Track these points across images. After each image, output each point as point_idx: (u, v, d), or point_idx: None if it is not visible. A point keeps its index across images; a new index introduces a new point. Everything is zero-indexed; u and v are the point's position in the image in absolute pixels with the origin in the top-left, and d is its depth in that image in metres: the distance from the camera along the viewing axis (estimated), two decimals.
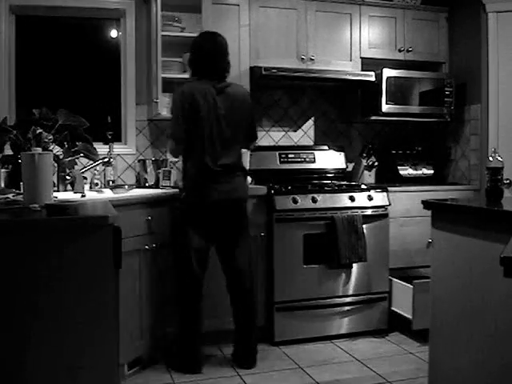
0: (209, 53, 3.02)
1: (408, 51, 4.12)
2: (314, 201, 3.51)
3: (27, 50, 3.82)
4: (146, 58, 3.88)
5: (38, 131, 2.69)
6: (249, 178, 3.74)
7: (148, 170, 3.74)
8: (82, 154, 3.04)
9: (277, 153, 4.09)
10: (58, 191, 3.14)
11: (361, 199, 3.60)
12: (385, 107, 3.93)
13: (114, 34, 4.03)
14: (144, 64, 3.88)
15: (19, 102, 3.77)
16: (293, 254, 3.47)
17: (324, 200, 3.54)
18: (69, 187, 3.29)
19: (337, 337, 3.57)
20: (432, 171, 4.23)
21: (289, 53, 3.86)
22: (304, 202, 3.50)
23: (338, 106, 4.35)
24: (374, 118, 4.03)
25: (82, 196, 2.93)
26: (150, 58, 3.77)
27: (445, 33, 4.22)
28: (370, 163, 4.18)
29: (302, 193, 3.52)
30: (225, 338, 3.46)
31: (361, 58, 4.02)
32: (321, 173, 4.14)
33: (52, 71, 3.94)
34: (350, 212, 3.55)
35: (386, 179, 4.15)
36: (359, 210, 3.58)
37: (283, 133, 4.25)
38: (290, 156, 4.10)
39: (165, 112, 3.72)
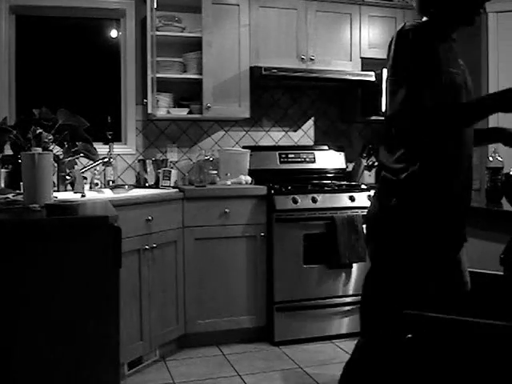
0: None
1: None
2: (314, 201, 3.51)
3: (27, 49, 3.82)
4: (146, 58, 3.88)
5: (38, 131, 2.69)
6: (248, 178, 3.76)
7: (148, 169, 3.74)
8: (82, 154, 3.04)
9: (277, 153, 4.08)
10: (58, 191, 3.14)
11: (361, 199, 3.60)
12: (385, 107, 3.93)
13: (114, 34, 4.03)
14: (144, 64, 3.88)
15: (19, 102, 3.77)
16: (293, 254, 3.47)
17: (324, 200, 3.54)
18: (69, 187, 3.29)
19: (337, 337, 3.57)
20: None
21: (289, 53, 3.86)
22: (304, 202, 3.50)
23: (338, 106, 4.35)
24: (374, 117, 4.03)
25: (82, 196, 2.94)
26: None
27: None
28: (370, 163, 4.18)
29: (302, 193, 3.52)
30: (225, 337, 3.46)
31: (361, 58, 4.02)
32: (321, 173, 4.14)
33: (52, 71, 3.94)
34: (349, 212, 3.55)
35: None
36: (359, 210, 3.57)
37: (283, 133, 4.25)
38: (290, 156, 4.10)
39: (162, 112, 3.72)
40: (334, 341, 3.54)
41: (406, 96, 1.69)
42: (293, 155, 4.11)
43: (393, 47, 1.77)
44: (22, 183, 2.26)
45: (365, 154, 4.21)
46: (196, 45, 3.70)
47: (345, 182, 3.94)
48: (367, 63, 4.03)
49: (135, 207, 2.96)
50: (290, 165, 4.08)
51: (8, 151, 2.91)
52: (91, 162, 3.34)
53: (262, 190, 3.50)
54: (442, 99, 1.72)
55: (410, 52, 1.71)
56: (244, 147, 4.01)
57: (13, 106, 3.75)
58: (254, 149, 4.02)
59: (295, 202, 3.47)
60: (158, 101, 3.71)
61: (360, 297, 1.99)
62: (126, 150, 3.88)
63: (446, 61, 1.74)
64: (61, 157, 3.07)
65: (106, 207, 2.15)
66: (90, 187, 3.51)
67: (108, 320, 1.81)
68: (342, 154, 4.24)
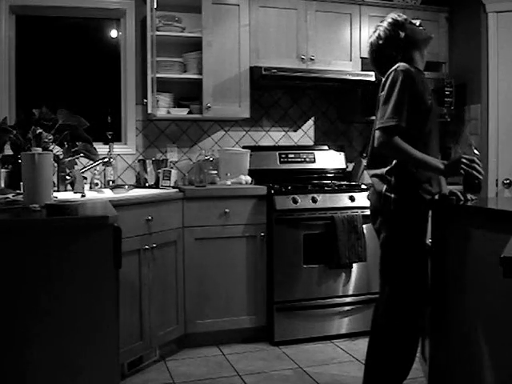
0: None
1: None
2: (314, 201, 3.51)
3: (27, 49, 3.82)
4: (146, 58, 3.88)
5: (38, 131, 2.70)
6: (248, 178, 3.76)
7: (148, 169, 3.74)
8: (82, 154, 3.05)
9: (277, 153, 4.09)
10: (58, 191, 3.14)
11: (361, 199, 3.59)
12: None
13: (114, 34, 4.03)
14: (144, 64, 3.88)
15: (19, 102, 3.77)
16: (293, 254, 3.47)
17: (324, 200, 3.54)
18: (69, 187, 3.29)
19: (337, 337, 3.57)
20: None
21: (289, 53, 3.86)
22: (304, 202, 3.50)
23: (338, 106, 4.35)
24: (374, 118, 4.01)
25: (82, 196, 2.94)
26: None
27: (445, 33, 4.22)
28: None
29: (302, 193, 3.52)
30: (225, 337, 3.46)
31: (361, 58, 4.01)
32: (321, 173, 4.14)
33: (52, 71, 3.94)
34: (349, 212, 3.55)
35: None
36: (359, 210, 3.57)
37: (283, 133, 4.25)
38: (290, 156, 4.10)
39: (162, 112, 3.72)
40: (333, 341, 3.54)
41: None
42: (293, 155, 4.11)
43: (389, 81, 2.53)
44: (22, 183, 2.26)
45: (365, 154, 4.21)
46: (196, 45, 3.70)
47: (345, 182, 3.94)
48: (367, 63, 4.01)
49: (135, 207, 2.96)
50: (290, 165, 4.08)
51: (8, 151, 2.91)
52: (91, 162, 3.34)
53: (262, 189, 3.50)
54: (417, 122, 2.48)
55: (401, 86, 2.47)
56: (244, 147, 4.01)
57: (13, 106, 3.75)
58: (254, 149, 4.02)
59: (295, 201, 3.47)
60: (157, 101, 3.71)
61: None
62: (126, 150, 3.88)
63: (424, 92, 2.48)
64: (61, 157, 3.07)
65: (105, 207, 2.16)
66: (90, 187, 3.51)
67: (108, 320, 1.81)
68: (342, 154, 4.24)
